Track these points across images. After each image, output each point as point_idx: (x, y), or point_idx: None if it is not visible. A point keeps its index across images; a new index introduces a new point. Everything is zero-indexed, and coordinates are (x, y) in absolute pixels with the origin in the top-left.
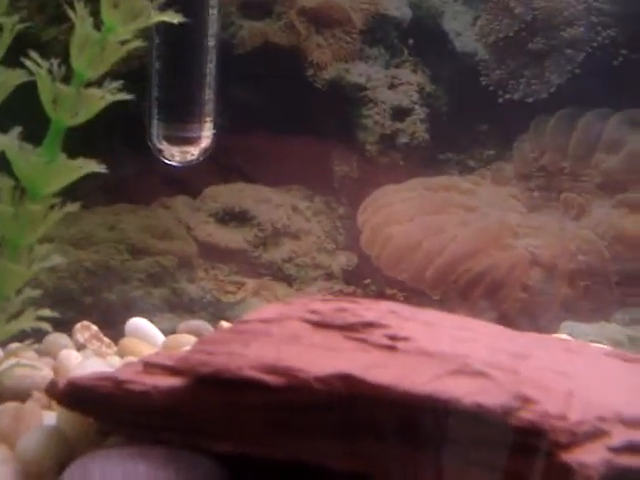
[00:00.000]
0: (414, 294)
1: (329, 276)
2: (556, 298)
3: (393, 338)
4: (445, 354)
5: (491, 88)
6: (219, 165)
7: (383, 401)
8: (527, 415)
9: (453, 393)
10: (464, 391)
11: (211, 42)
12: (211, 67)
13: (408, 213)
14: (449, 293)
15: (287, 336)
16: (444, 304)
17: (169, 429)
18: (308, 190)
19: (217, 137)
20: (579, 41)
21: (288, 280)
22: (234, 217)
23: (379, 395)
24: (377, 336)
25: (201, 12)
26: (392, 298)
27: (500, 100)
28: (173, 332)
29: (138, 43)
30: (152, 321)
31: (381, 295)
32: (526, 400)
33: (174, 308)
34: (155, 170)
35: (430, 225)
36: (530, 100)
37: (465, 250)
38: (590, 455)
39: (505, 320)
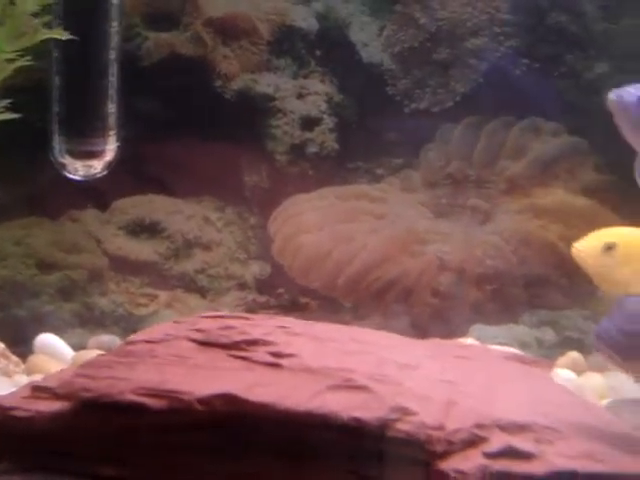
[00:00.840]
0: (327, 302)
1: (242, 286)
2: (465, 302)
3: (278, 355)
4: (329, 369)
5: (398, 98)
6: (130, 176)
7: (266, 420)
8: (404, 426)
9: (332, 409)
10: (343, 406)
11: (112, 55)
12: (113, 80)
13: (319, 222)
14: (361, 300)
15: (172, 357)
16: (357, 311)
17: (54, 454)
18: (219, 201)
19: (122, 149)
20: (483, 51)
21: (201, 291)
22: (144, 229)
23: (261, 414)
24: (262, 354)
25: (100, 25)
26: (305, 306)
27: (407, 109)
28: (84, 347)
29: (25, 61)
30: (62, 336)
31: (294, 304)
32: (404, 412)
33: (85, 323)
34: (65, 184)
35: (340, 233)
36: (436, 109)
37: (375, 258)
38: (467, 462)
39: (417, 325)
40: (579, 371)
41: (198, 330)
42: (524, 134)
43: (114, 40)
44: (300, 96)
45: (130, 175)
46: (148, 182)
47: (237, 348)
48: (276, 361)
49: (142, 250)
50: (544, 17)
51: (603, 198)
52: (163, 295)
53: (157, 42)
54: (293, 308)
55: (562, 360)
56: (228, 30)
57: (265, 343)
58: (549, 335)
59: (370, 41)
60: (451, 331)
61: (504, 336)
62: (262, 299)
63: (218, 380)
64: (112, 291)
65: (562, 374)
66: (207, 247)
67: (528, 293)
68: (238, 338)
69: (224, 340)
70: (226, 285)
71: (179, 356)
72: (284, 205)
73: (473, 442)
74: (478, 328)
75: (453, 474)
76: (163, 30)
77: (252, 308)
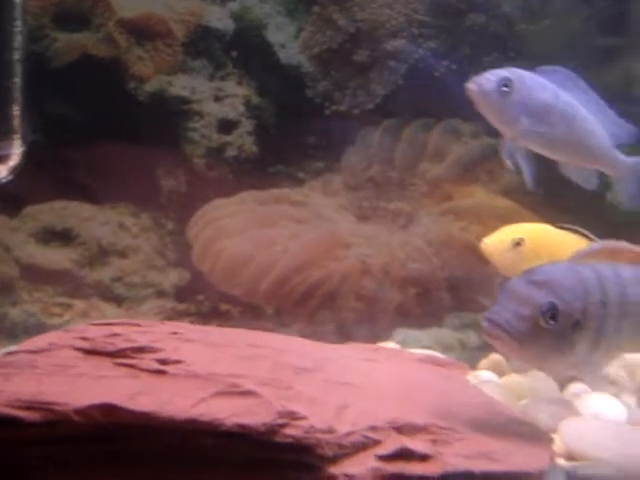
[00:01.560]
0: (249, 309)
1: (160, 294)
2: (389, 306)
3: (164, 362)
4: (216, 375)
5: (317, 100)
6: (40, 181)
7: (149, 429)
8: (292, 431)
9: (216, 415)
10: (227, 413)
11: (16, 55)
12: (17, 82)
13: (239, 227)
14: (284, 306)
15: (53, 367)
16: (280, 317)
17: None
18: (134, 206)
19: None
20: (402, 53)
21: (117, 300)
22: (57, 236)
23: (143, 423)
24: (147, 361)
25: (2, 24)
26: (226, 314)
27: (327, 112)
28: None
29: None
30: None
31: (215, 311)
32: (293, 416)
33: None
34: None
35: (261, 238)
36: (356, 111)
37: (297, 262)
38: (358, 466)
39: (341, 330)
40: (501, 373)
41: (84, 338)
42: (444, 136)
43: (17, 40)
44: (217, 98)
45: (41, 180)
46: (59, 187)
47: (123, 356)
48: (162, 368)
49: (55, 258)
50: (463, 18)
51: (523, 198)
52: (78, 304)
53: (68, 43)
54: (214, 316)
55: (484, 362)
56: (141, 31)
57: (152, 350)
58: (472, 338)
59: (288, 42)
60: (375, 335)
61: (428, 339)
62: (181, 307)
63: (99, 389)
64: (24, 301)
65: (484, 376)
66: (123, 254)
67: (451, 296)
68: (124, 345)
69: (110, 348)
70: (143, 293)
71: (61, 366)
72: (203, 210)
73: (366, 445)
74: (402, 332)
75: (343, 478)
76: (74, 31)
77: (171, 316)
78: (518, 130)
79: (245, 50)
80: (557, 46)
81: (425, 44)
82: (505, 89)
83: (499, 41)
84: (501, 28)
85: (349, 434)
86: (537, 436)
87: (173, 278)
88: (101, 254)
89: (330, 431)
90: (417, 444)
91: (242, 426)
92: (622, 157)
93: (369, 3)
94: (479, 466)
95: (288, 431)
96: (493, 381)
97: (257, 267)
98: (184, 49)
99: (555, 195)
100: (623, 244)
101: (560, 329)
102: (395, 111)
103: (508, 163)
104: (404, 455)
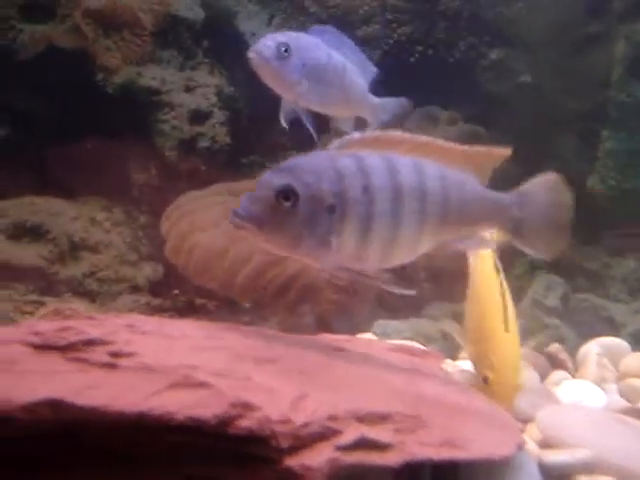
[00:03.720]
0: (225, 302)
1: (134, 289)
2: (368, 296)
3: (116, 355)
4: (170, 368)
5: None
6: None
7: (98, 424)
8: (246, 423)
9: (167, 409)
10: (179, 405)
11: None
12: None
13: (213, 219)
14: (261, 299)
15: (1, 363)
16: (257, 311)
17: None
18: (106, 200)
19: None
20: (375, 39)
21: (91, 296)
22: (26, 232)
23: (92, 418)
24: (99, 354)
25: None
26: (202, 308)
27: None
28: None
29: None
30: None
31: (191, 305)
32: (247, 407)
33: None
34: None
35: (237, 231)
36: None
37: (273, 255)
38: (315, 457)
39: (322, 322)
40: None
41: (34, 333)
42: (421, 123)
43: None
44: (188, 89)
45: (9, 175)
46: (28, 182)
47: (73, 349)
48: (113, 361)
49: (25, 255)
50: (436, 3)
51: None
52: (50, 301)
53: (33, 35)
54: (190, 310)
55: (464, 352)
56: (109, 21)
57: (104, 343)
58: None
59: (259, 30)
60: (355, 327)
61: (409, 330)
62: (156, 302)
63: (47, 385)
64: None
65: (463, 365)
66: (95, 249)
67: (431, 286)
68: (75, 339)
69: (61, 342)
70: (117, 288)
71: (9, 361)
72: (176, 203)
73: (325, 435)
74: (382, 324)
75: (300, 470)
76: (39, 22)
77: (146, 312)
78: (299, 92)
79: (216, 39)
80: (532, 30)
81: (399, 29)
82: (285, 53)
83: (473, 25)
84: (475, 12)
85: (306, 424)
86: (506, 423)
87: (147, 272)
88: (73, 250)
89: (286, 422)
90: (379, 433)
91: (194, 419)
92: (372, 99)
93: None
94: (441, 454)
95: (242, 423)
96: (471, 371)
97: (232, 260)
98: (153, 39)
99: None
100: (398, 133)
101: (307, 212)
102: None
103: (284, 123)
104: (365, 445)
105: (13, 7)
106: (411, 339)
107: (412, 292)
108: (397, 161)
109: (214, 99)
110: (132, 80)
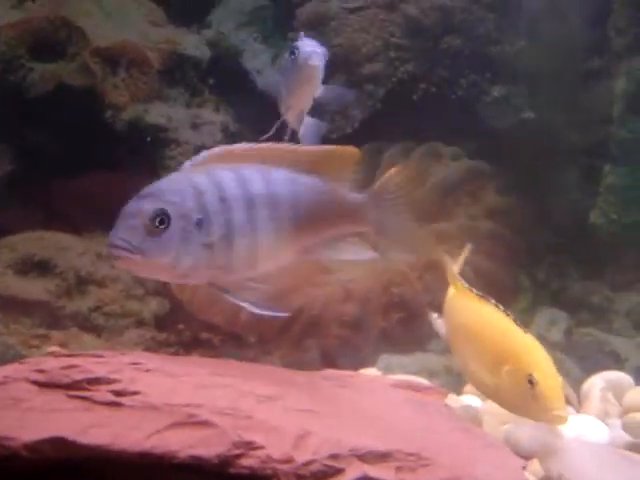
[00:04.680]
0: (230, 337)
1: (140, 323)
2: (372, 331)
3: (120, 394)
4: (173, 406)
5: None
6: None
7: (102, 463)
8: (247, 462)
9: (169, 448)
10: (182, 444)
11: None
12: None
13: None
14: (266, 334)
15: (6, 400)
16: (262, 346)
17: None
18: None
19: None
20: (379, 77)
21: (97, 330)
22: (34, 267)
23: (96, 457)
24: (103, 392)
25: None
26: (207, 343)
27: None
28: None
29: None
30: None
31: (196, 340)
32: (249, 446)
33: None
34: None
35: None
36: (334, 136)
37: (278, 291)
38: None
39: (326, 357)
40: (484, 397)
41: (39, 371)
42: (424, 159)
43: None
44: (194, 126)
45: (18, 210)
46: (37, 217)
47: (78, 388)
48: (118, 400)
49: (32, 289)
50: (439, 41)
51: (506, 220)
52: (56, 335)
53: (43, 73)
54: (195, 345)
55: (469, 387)
56: (117, 60)
57: (109, 382)
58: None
59: (264, 68)
60: (359, 361)
61: (412, 365)
62: (162, 336)
63: (51, 423)
64: (1, 333)
65: (466, 400)
66: (101, 284)
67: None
68: (79, 377)
69: (65, 380)
70: (123, 323)
71: (14, 399)
72: None
73: (327, 474)
74: (386, 358)
75: None
76: (49, 61)
77: (151, 346)
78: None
79: (222, 77)
80: (534, 66)
81: (402, 67)
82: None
83: (475, 62)
84: (476, 50)
85: (309, 463)
86: (507, 460)
87: (153, 307)
88: (79, 284)
89: (288, 461)
90: (381, 472)
91: (196, 458)
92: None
93: (345, 27)
94: None
95: (244, 462)
96: (475, 406)
97: None
98: (160, 77)
99: (535, 215)
100: (247, 145)
101: (180, 231)
102: (374, 135)
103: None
104: None
105: (24, 46)
106: (415, 374)
107: (284, 314)
108: (245, 171)
109: (219, 136)
110: (139, 117)
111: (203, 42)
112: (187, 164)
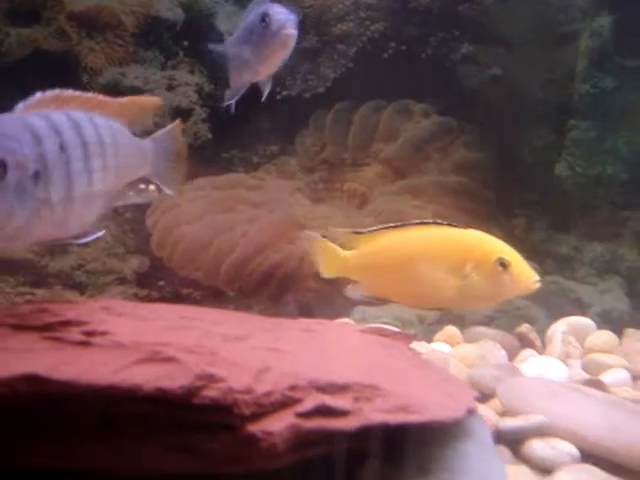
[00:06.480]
0: (210, 292)
1: (122, 281)
2: (346, 284)
3: (90, 334)
4: (141, 344)
5: None
6: None
7: (72, 397)
8: (210, 393)
9: (135, 381)
10: (147, 378)
11: None
12: None
13: (197, 212)
14: (245, 288)
15: None
16: (240, 300)
17: None
18: None
19: None
20: (350, 36)
21: (79, 287)
22: None
23: (66, 391)
24: (73, 333)
25: None
26: (188, 298)
27: (279, 97)
28: None
29: None
30: None
31: (177, 295)
32: (211, 379)
33: None
34: None
35: (219, 223)
36: (308, 95)
37: (255, 245)
38: (276, 423)
39: (303, 310)
40: (454, 343)
41: (12, 315)
42: (395, 116)
43: None
44: (170, 87)
45: None
46: None
47: (50, 329)
48: (87, 339)
49: (15, 248)
50: (408, 0)
51: (474, 175)
52: (40, 293)
53: (19, 38)
54: (176, 300)
55: (439, 335)
56: (92, 23)
57: (79, 324)
58: (430, 312)
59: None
60: (335, 314)
61: (386, 316)
62: (143, 293)
63: (24, 362)
64: None
65: (436, 346)
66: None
67: None
68: (51, 320)
69: (38, 323)
70: (105, 280)
71: None
72: (161, 197)
73: (285, 404)
74: (361, 309)
75: (261, 435)
76: (25, 26)
77: (134, 302)
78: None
79: (195, 39)
80: (503, 25)
81: (372, 26)
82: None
83: (444, 21)
84: (445, 8)
85: (268, 394)
86: (462, 392)
87: (133, 265)
88: (61, 243)
89: (248, 391)
90: (338, 401)
91: (160, 390)
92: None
93: None
94: (395, 418)
95: (206, 393)
96: (442, 351)
97: (216, 251)
98: (135, 40)
99: (505, 169)
100: (69, 92)
101: (15, 183)
102: (346, 94)
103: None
104: (324, 412)
105: (0, 12)
106: (388, 324)
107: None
108: (76, 116)
109: (195, 97)
110: (116, 80)
111: (176, 4)
112: (20, 105)
